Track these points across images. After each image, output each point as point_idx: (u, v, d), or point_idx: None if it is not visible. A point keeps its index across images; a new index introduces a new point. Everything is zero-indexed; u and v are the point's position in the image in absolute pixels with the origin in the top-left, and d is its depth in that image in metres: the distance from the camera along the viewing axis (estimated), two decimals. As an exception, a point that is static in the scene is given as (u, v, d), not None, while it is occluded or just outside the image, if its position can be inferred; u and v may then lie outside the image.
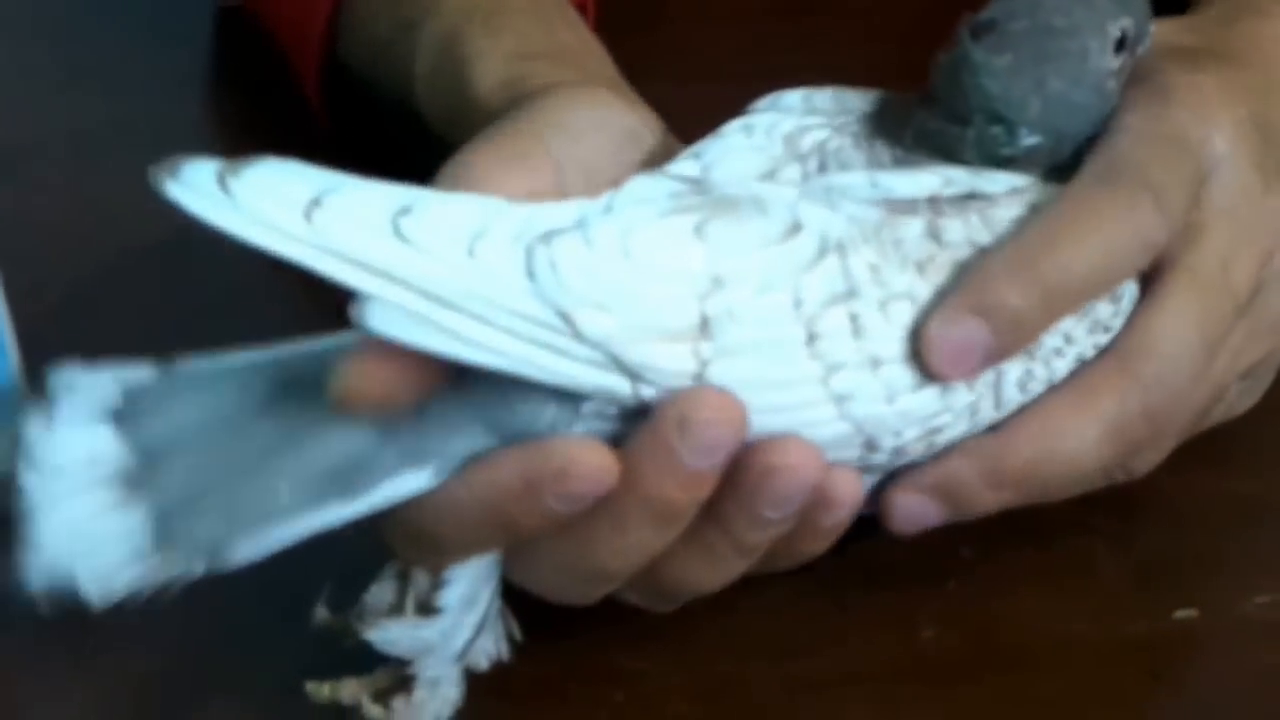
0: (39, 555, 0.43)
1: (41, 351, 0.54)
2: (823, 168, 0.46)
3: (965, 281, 0.45)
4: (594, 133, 0.47)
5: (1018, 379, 0.46)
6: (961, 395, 0.45)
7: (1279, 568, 0.52)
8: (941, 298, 0.45)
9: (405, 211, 0.42)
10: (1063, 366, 0.46)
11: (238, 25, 0.66)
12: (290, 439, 0.43)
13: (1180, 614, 0.51)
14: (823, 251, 0.44)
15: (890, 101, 0.48)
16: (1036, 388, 0.46)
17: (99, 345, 0.56)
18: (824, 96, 0.48)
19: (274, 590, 0.47)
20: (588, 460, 0.43)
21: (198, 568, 0.43)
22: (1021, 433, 0.46)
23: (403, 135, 0.59)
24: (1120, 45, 0.47)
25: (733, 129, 0.47)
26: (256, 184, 0.42)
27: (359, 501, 0.43)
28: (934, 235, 0.45)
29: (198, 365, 0.44)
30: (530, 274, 0.42)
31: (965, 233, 0.45)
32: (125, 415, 0.43)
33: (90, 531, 0.43)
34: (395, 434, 0.43)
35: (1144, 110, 0.48)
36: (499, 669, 0.48)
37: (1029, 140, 0.47)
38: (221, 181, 0.41)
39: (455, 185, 0.45)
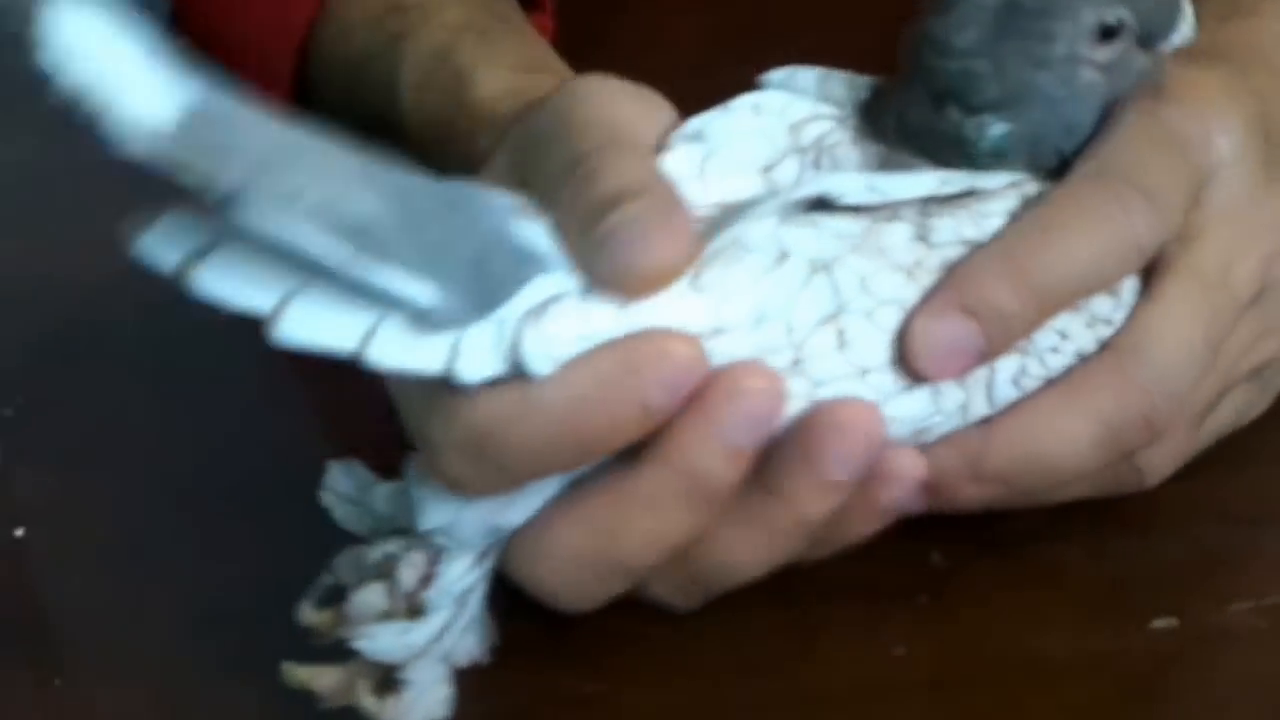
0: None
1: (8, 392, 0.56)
2: (816, 164, 0.46)
3: (951, 278, 0.44)
4: (667, 112, 0.47)
5: (1012, 375, 0.45)
6: (952, 395, 0.45)
7: (1259, 572, 0.51)
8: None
9: (372, 334, 0.41)
10: (1059, 362, 0.46)
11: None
12: (326, 161, 0.41)
13: (1158, 623, 0.49)
14: (811, 273, 0.44)
15: (884, 90, 0.47)
16: (1032, 384, 0.46)
17: (67, 383, 0.57)
18: (838, 81, 0.47)
19: (219, 628, 0.47)
20: (684, 346, 0.42)
21: (213, 184, 0.39)
22: (1008, 429, 0.46)
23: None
24: (1108, 34, 0.45)
25: (743, 105, 0.47)
26: (219, 279, 0.40)
27: (364, 264, 0.40)
28: (922, 238, 0.44)
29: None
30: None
31: (955, 230, 0.45)
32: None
33: (124, 50, 0.39)
34: (418, 234, 0.41)
35: (1139, 108, 0.47)
36: (466, 702, 0.47)
37: (996, 129, 0.45)
38: (188, 267, 0.40)
39: (601, 94, 0.46)
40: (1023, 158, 0.46)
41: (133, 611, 0.51)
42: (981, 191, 0.45)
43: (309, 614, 0.46)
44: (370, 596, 0.45)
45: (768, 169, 0.46)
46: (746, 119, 0.46)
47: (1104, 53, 0.46)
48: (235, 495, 0.53)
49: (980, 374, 0.45)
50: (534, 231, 0.43)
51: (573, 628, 0.47)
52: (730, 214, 0.45)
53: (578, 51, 0.57)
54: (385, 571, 0.45)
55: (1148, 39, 0.46)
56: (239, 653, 0.48)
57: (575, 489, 0.44)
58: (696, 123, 0.46)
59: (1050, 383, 0.46)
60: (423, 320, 0.41)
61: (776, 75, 0.48)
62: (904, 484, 0.44)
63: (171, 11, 0.67)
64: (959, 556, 0.51)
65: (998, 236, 0.45)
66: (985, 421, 0.46)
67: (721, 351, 0.43)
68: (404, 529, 0.45)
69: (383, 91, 0.57)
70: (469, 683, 0.47)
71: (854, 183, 0.44)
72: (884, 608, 0.50)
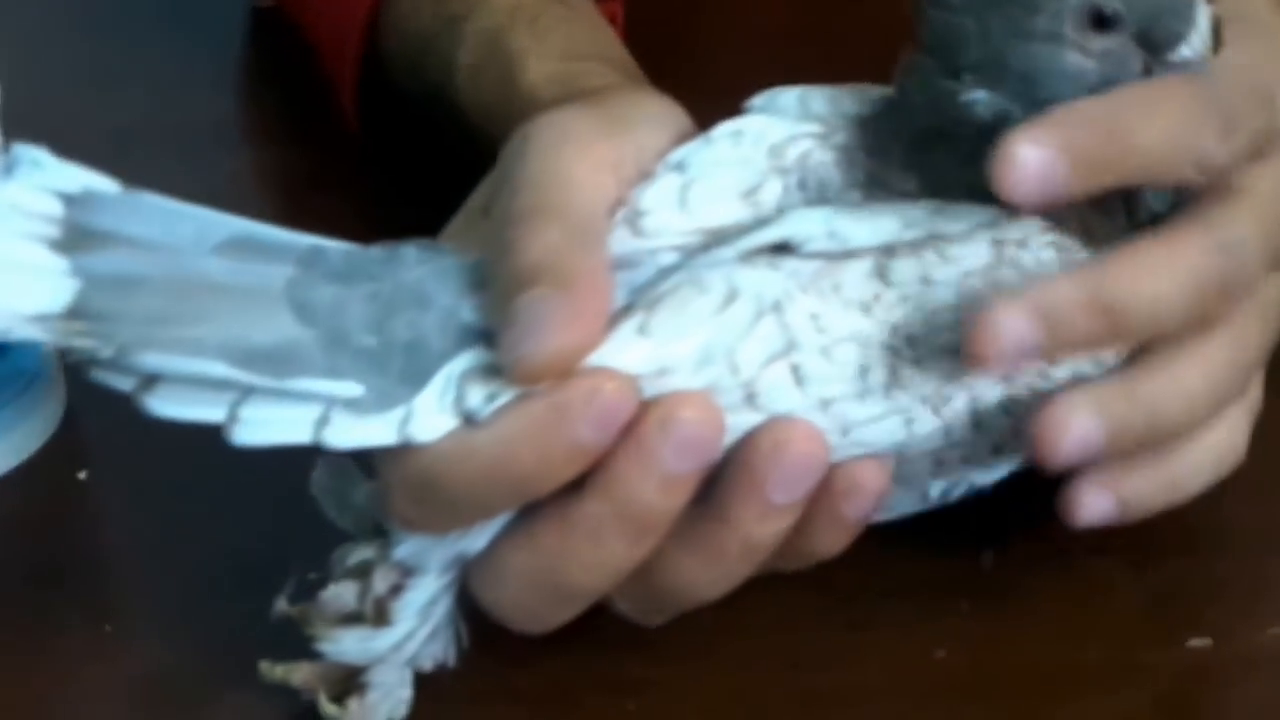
0: None
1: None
2: (803, 185, 0.46)
3: (1043, 117, 0.45)
4: (669, 128, 0.48)
5: (1000, 402, 0.46)
6: (927, 421, 0.45)
7: (1296, 598, 0.52)
8: (895, 333, 0.44)
9: (324, 423, 0.43)
10: (1049, 385, 0.46)
11: (271, 26, 0.67)
12: (235, 294, 0.43)
13: (1194, 642, 0.50)
14: (759, 314, 0.44)
15: (885, 101, 0.48)
16: (1023, 410, 0.46)
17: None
18: (820, 98, 0.48)
19: (270, 579, 0.47)
20: (614, 383, 0.43)
21: (102, 353, 0.43)
22: (1116, 266, 0.46)
23: (435, 134, 0.60)
24: (1102, 24, 0.45)
25: (722, 134, 0.47)
26: (169, 401, 0.43)
27: (276, 384, 0.43)
28: (880, 275, 0.45)
29: (163, 200, 0.44)
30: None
31: (919, 270, 0.45)
32: (79, 202, 0.43)
33: (9, 252, 0.42)
34: (342, 345, 0.43)
35: (1241, 54, 0.47)
36: (511, 676, 0.49)
37: (975, 94, 0.45)
38: (140, 392, 0.43)
39: (549, 143, 0.46)
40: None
41: (187, 559, 0.52)
42: (945, 236, 0.45)
43: (283, 606, 0.47)
44: (342, 593, 0.46)
45: (750, 193, 0.46)
46: (726, 148, 0.47)
47: (1097, 42, 0.45)
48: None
49: (961, 403, 0.45)
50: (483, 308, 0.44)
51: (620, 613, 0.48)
52: (713, 239, 0.45)
53: (655, 42, 0.58)
54: (361, 573, 0.46)
55: (1150, 44, 0.46)
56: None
57: (526, 515, 0.45)
58: (679, 154, 0.47)
59: (1146, 236, 0.46)
60: (361, 404, 0.43)
61: (758, 100, 0.48)
62: (866, 496, 0.45)
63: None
64: (1001, 565, 0.52)
65: (1094, 98, 0.45)
66: (1098, 264, 0.46)
67: (667, 391, 0.43)
68: (382, 527, 0.46)
69: (443, 71, 0.58)
70: (510, 660, 0.48)
71: (815, 228, 0.45)
72: (927, 611, 0.51)
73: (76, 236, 0.43)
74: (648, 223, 0.46)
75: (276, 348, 0.43)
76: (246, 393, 0.43)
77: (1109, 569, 0.52)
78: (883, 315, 0.45)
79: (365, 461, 0.46)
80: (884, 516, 0.48)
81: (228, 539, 0.53)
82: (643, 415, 0.43)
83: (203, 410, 0.43)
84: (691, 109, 0.49)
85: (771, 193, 0.46)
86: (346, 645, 0.46)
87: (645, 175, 0.46)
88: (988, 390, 0.46)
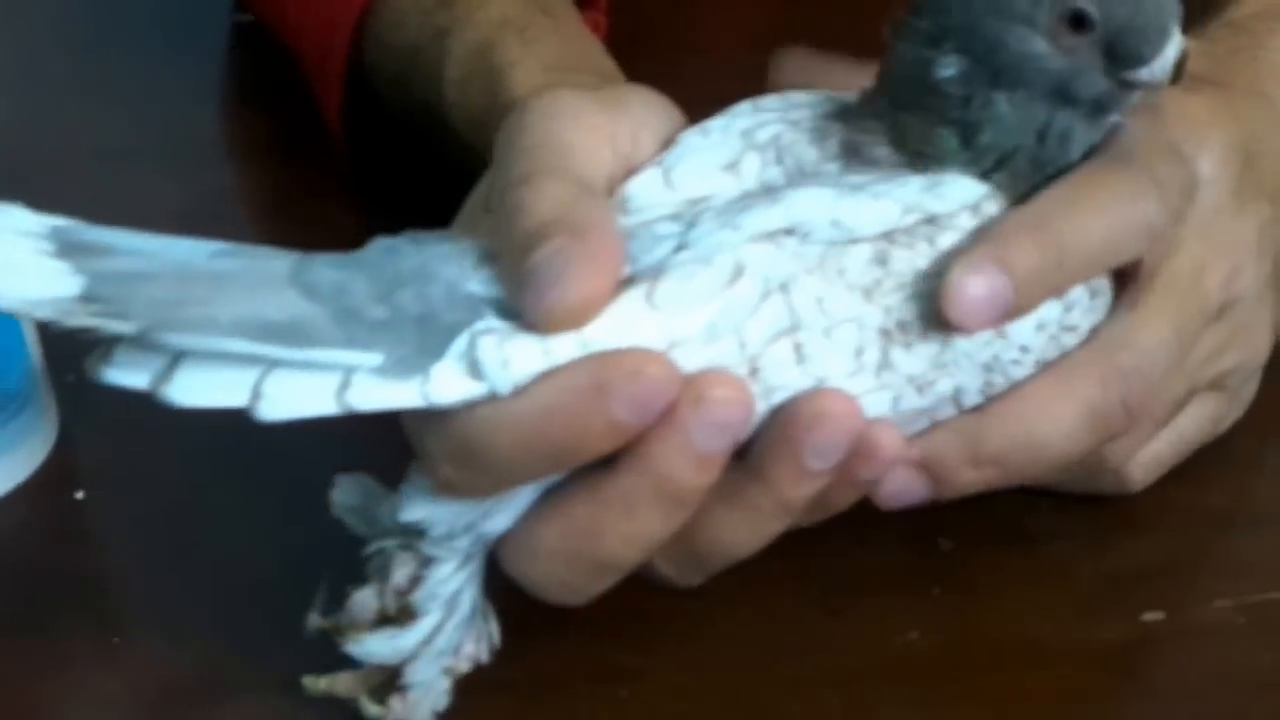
0: None
1: (63, 358, 0.57)
2: (779, 160, 0.48)
3: (987, 236, 0.46)
4: (662, 113, 0.50)
5: (979, 388, 0.48)
6: (912, 401, 0.47)
7: (1241, 573, 0.54)
8: (889, 316, 0.46)
9: (346, 387, 0.44)
10: (1021, 373, 0.48)
11: (254, 41, 0.67)
12: (240, 279, 0.43)
13: (1148, 616, 0.53)
14: (766, 293, 0.46)
15: (837, 99, 0.50)
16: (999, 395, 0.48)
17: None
18: (771, 100, 0.50)
19: (272, 591, 0.49)
20: (657, 367, 0.44)
21: (122, 331, 0.43)
22: (1002, 414, 0.48)
23: (422, 146, 0.61)
24: (1077, 24, 0.47)
25: (689, 134, 0.49)
26: (189, 390, 0.43)
27: (297, 354, 0.43)
28: (881, 261, 0.46)
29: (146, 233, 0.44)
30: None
31: (913, 260, 0.47)
32: (67, 230, 0.43)
33: (9, 255, 0.42)
34: (353, 318, 0.44)
35: (1142, 121, 0.49)
36: (503, 667, 0.50)
37: (948, 60, 0.47)
38: (157, 386, 0.43)
39: (544, 115, 0.47)
40: (989, 138, 0.47)
41: (188, 573, 0.54)
42: (940, 216, 0.47)
43: (315, 620, 0.48)
44: (365, 598, 0.48)
45: (731, 166, 0.48)
46: (697, 139, 0.49)
47: (1067, 39, 0.47)
48: (290, 461, 0.54)
49: (945, 387, 0.47)
50: (488, 280, 0.45)
51: (606, 602, 0.49)
52: (699, 206, 0.47)
53: (637, 50, 0.59)
54: (381, 574, 0.48)
55: (1115, 56, 0.47)
56: (291, 615, 0.49)
57: (559, 490, 0.46)
58: (655, 160, 0.49)
59: (1035, 373, 0.48)
60: (383, 370, 0.44)
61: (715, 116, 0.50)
62: (882, 460, 0.46)
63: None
64: (968, 551, 0.54)
65: (1031, 202, 0.47)
66: (978, 409, 0.48)
67: (676, 364, 0.45)
68: (410, 541, 0.47)
69: (430, 84, 0.58)
70: (502, 652, 0.50)
71: (819, 215, 0.46)
72: (899, 597, 0.53)
73: (73, 249, 0.43)
74: (635, 203, 0.47)
75: (290, 322, 0.43)
76: (268, 369, 0.43)
77: (1066, 551, 0.54)
78: (881, 300, 0.46)
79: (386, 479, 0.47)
80: None
81: (226, 551, 0.54)
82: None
83: (224, 395, 0.43)
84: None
85: (751, 166, 0.48)
86: (374, 647, 0.47)
87: (641, 151, 0.48)
88: (970, 377, 0.47)
